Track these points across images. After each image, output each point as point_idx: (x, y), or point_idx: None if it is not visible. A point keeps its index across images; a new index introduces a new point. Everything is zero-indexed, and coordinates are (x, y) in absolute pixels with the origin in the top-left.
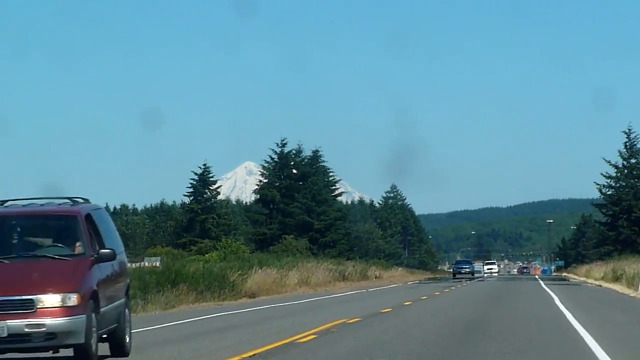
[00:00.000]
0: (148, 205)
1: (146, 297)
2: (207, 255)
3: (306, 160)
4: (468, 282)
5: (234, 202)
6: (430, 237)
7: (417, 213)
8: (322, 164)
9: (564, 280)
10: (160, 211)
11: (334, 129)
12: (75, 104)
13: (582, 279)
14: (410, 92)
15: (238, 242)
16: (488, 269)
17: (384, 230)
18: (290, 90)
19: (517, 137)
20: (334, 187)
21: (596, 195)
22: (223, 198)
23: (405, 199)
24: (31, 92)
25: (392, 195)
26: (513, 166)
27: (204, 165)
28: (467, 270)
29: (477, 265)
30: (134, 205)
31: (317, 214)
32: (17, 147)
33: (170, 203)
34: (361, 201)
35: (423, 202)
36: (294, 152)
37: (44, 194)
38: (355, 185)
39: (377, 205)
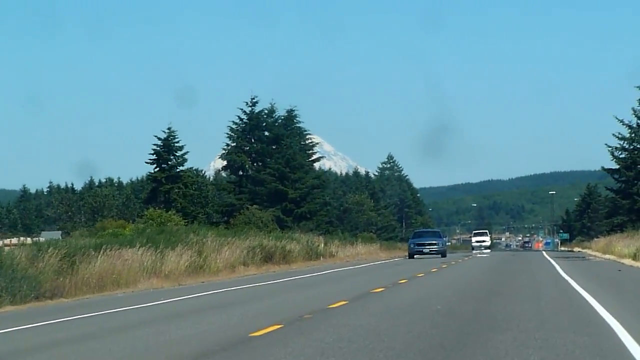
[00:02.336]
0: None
1: None
2: (126, 230)
3: (280, 120)
4: (443, 265)
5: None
6: (430, 209)
7: (418, 186)
8: (297, 125)
9: (582, 258)
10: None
11: (340, 101)
12: (108, 79)
13: (609, 257)
14: (414, 64)
15: (170, 212)
16: (477, 242)
17: (376, 202)
18: (305, 61)
19: (518, 109)
20: (311, 152)
21: (599, 166)
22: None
23: (402, 169)
24: (63, 69)
25: (388, 166)
26: (515, 138)
27: (169, 129)
28: (434, 248)
29: (473, 239)
30: (119, 178)
31: (292, 181)
32: (50, 123)
33: None
34: (356, 172)
35: (425, 175)
36: (266, 111)
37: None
38: (354, 156)
39: (372, 176)
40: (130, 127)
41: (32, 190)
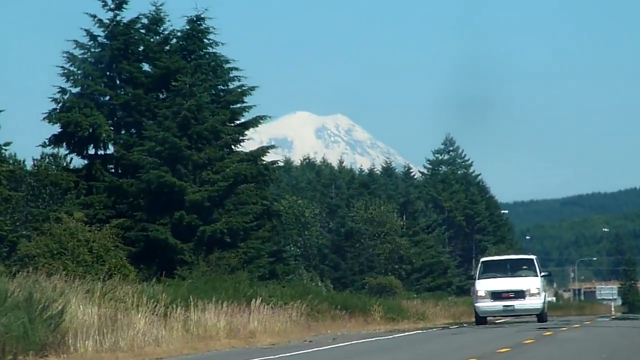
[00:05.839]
0: None
1: None
2: None
3: (174, 41)
4: None
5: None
6: (526, 237)
7: (507, 200)
8: (210, 50)
9: None
10: None
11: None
12: None
13: None
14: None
15: None
16: (495, 293)
17: (412, 218)
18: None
19: None
20: (238, 105)
21: None
22: None
23: (470, 162)
24: None
25: (445, 157)
26: None
27: None
28: None
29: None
30: None
31: (195, 167)
32: None
33: None
34: (388, 168)
35: (519, 180)
36: (146, 20)
37: None
38: (403, 149)
39: (419, 175)
40: None
41: None
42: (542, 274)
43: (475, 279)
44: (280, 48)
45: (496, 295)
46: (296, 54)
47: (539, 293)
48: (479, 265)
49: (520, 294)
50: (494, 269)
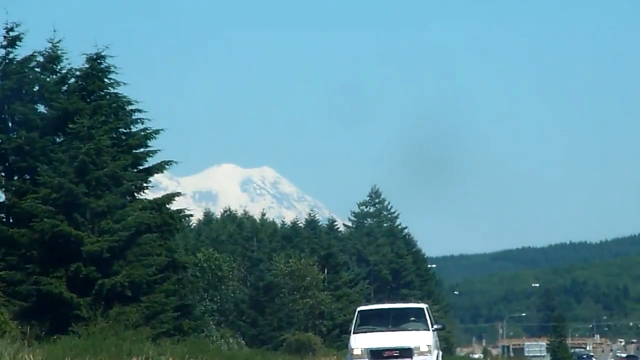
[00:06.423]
0: None
1: None
2: None
3: (72, 80)
4: None
5: None
6: (455, 292)
7: (436, 254)
8: (110, 90)
9: None
10: None
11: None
12: None
13: None
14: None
15: None
16: (379, 350)
17: (334, 271)
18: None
19: (610, 132)
20: (142, 150)
21: None
22: None
23: (395, 214)
24: None
25: (370, 209)
26: (607, 175)
27: None
28: None
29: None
30: None
31: (93, 215)
32: None
33: None
34: (311, 221)
35: (449, 235)
36: (42, 58)
37: None
38: (332, 203)
39: (343, 227)
40: None
41: None
42: (435, 327)
43: (350, 333)
44: (206, 98)
45: (376, 354)
46: (221, 104)
47: (429, 351)
48: (356, 315)
49: (406, 353)
50: (374, 321)
